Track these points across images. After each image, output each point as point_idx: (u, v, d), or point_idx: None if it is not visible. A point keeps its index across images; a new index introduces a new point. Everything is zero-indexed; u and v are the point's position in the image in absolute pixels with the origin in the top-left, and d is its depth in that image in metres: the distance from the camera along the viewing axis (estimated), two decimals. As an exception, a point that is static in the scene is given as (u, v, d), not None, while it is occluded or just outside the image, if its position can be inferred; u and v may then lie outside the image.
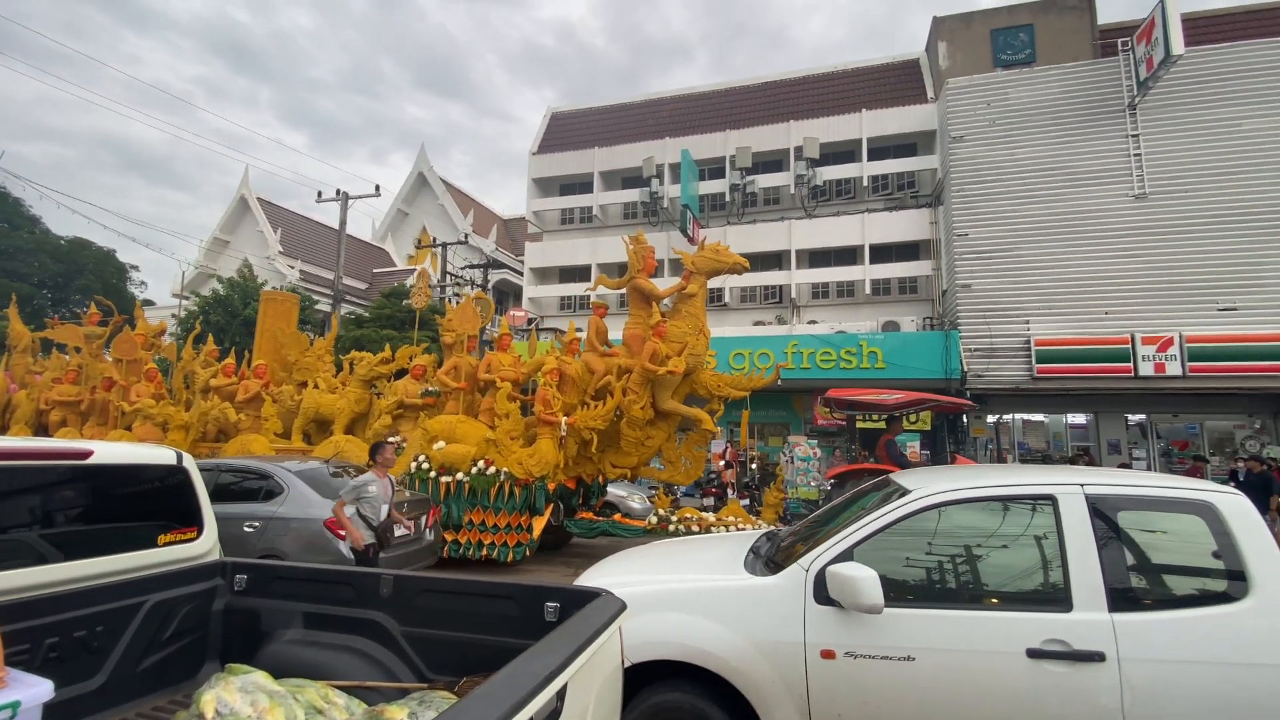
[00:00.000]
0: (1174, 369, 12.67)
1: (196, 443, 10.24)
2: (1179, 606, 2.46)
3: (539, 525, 8.23)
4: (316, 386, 10.62)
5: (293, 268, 25.74)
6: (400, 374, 10.71)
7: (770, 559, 3.24)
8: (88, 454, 2.36)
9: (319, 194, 20.14)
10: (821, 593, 2.73)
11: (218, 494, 6.41)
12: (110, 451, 2.49)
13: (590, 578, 3.45)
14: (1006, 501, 2.79)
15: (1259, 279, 12.84)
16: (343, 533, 5.97)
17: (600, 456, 8.81)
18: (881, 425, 15.14)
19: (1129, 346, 12.99)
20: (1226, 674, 2.28)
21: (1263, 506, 8.81)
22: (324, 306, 24.24)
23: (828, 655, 2.65)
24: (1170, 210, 13.50)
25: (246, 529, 6.01)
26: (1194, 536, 2.52)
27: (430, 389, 9.85)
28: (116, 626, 2.24)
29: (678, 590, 3.04)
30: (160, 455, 2.65)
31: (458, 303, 23.51)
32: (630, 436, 8.66)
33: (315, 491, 6.13)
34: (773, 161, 19.03)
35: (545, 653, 1.52)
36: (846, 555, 2.78)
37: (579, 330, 10.20)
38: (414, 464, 8.52)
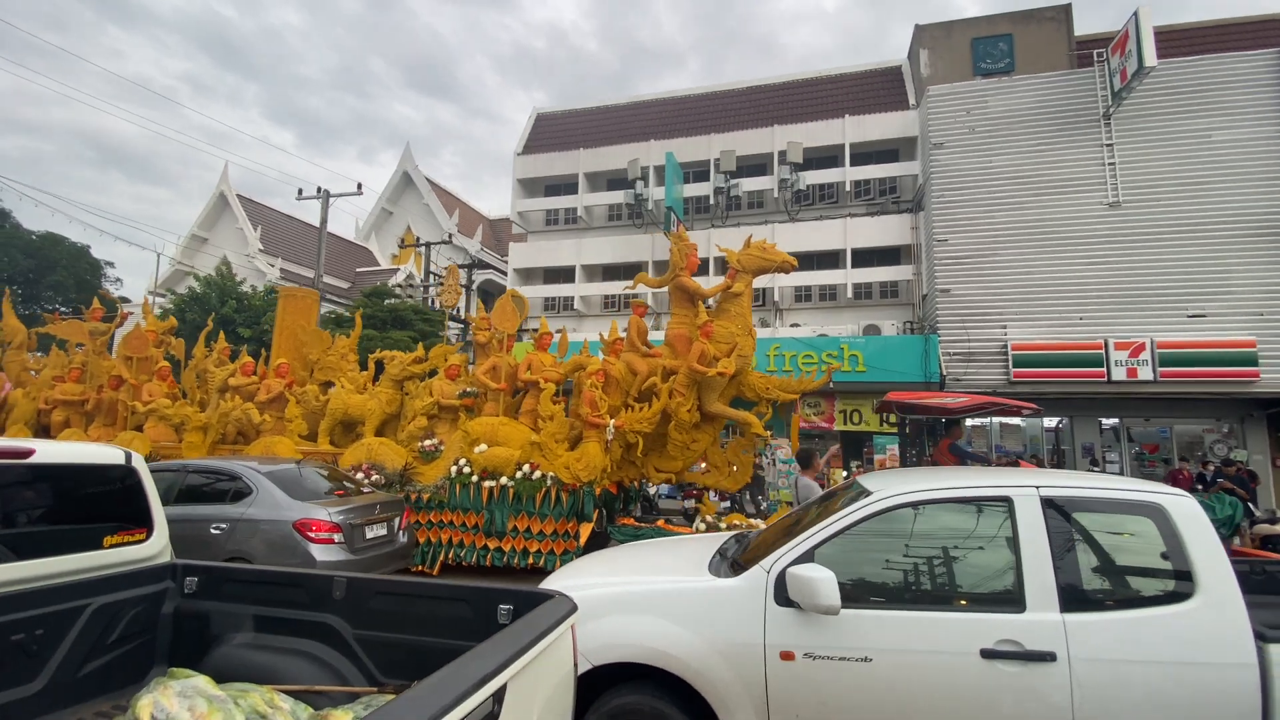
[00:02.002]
0: (1145, 374, 12.90)
1: (216, 444, 9.86)
2: (1128, 606, 2.50)
3: (586, 531, 7.88)
4: (343, 387, 10.21)
5: (273, 266, 25.41)
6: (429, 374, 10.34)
7: (735, 561, 3.25)
8: (28, 453, 2.30)
9: (299, 191, 19.92)
10: (782, 594, 2.74)
11: (185, 495, 6.33)
12: (53, 450, 2.43)
13: (557, 580, 3.43)
14: (964, 503, 2.82)
15: (1227, 286, 13.11)
16: (312, 535, 5.90)
17: (644, 460, 8.51)
18: (863, 429, 15.28)
19: (1102, 351, 13.20)
20: (1172, 673, 2.32)
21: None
22: (304, 305, 23.92)
23: (787, 657, 2.66)
24: (1143, 219, 13.74)
25: (214, 531, 5.91)
26: (1144, 537, 2.56)
27: (468, 390, 9.52)
28: (57, 630, 2.19)
29: (639, 592, 3.03)
30: (107, 455, 2.59)
31: (440, 304, 23.39)
32: (677, 440, 8.38)
33: (284, 492, 6.04)
34: (757, 165, 19.13)
35: (483, 654, 1.50)
36: (807, 557, 2.79)
37: (556, 331, 10.06)
38: (454, 468, 8.23)
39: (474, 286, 23.78)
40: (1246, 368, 12.53)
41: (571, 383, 9.15)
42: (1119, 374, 13.06)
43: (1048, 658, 2.40)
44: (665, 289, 9.30)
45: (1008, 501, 2.69)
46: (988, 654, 2.45)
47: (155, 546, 2.66)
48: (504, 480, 7.99)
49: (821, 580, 2.54)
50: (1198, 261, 13.32)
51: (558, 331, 10.35)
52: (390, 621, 2.30)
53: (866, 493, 2.95)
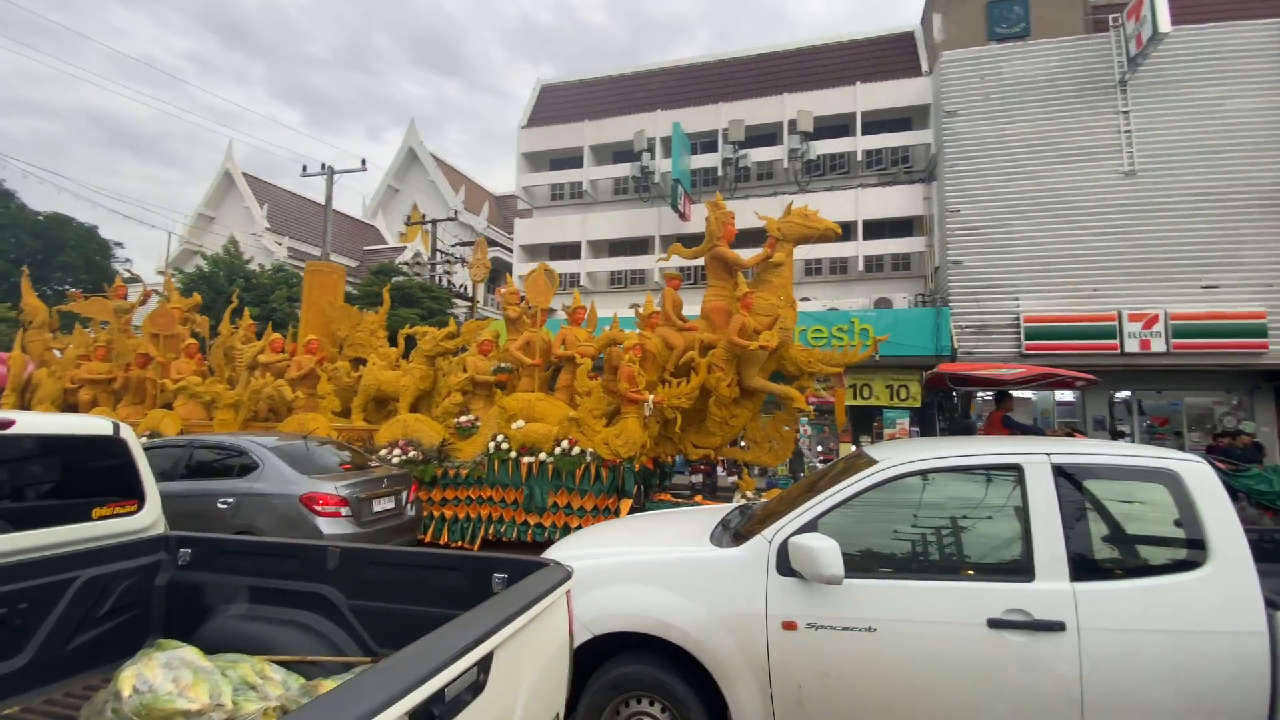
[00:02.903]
0: (1158, 346, 12.68)
1: (248, 421, 9.84)
2: (1139, 575, 2.43)
3: (625, 508, 7.81)
4: (375, 364, 10.08)
5: (280, 244, 25.39)
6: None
7: (737, 531, 3.20)
8: (9, 424, 2.26)
9: (304, 168, 19.78)
10: (784, 564, 2.69)
11: (191, 471, 6.37)
12: (35, 422, 2.38)
13: (558, 549, 3.41)
14: (973, 471, 2.74)
15: (1240, 257, 12.79)
16: (319, 508, 5.91)
17: (681, 436, 8.39)
18: (873, 403, 15.17)
19: (1115, 324, 12.97)
20: (1183, 642, 2.25)
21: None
22: (311, 284, 23.91)
23: (789, 627, 2.62)
24: (1158, 188, 13.38)
25: (220, 505, 5.94)
26: (1157, 505, 2.48)
27: (503, 365, 9.40)
28: (43, 603, 2.16)
29: (641, 562, 3.00)
30: (94, 426, 2.55)
31: (447, 281, 23.29)
32: (716, 415, 8.19)
33: (291, 467, 6.05)
34: (766, 135, 18.72)
35: (469, 623, 1.45)
36: (810, 526, 2.73)
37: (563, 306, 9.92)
38: (493, 444, 8.17)
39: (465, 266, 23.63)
40: (1256, 339, 12.29)
41: (603, 358, 9.04)
42: (1132, 345, 12.84)
43: (1056, 627, 2.34)
44: (701, 260, 9.04)
45: (1018, 469, 2.61)
46: (995, 624, 2.39)
47: (147, 518, 2.64)
48: (543, 456, 7.94)
49: (824, 550, 2.48)
50: (1211, 231, 12.99)
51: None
52: (384, 591, 2.27)
53: (872, 462, 2.88)
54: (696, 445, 8.54)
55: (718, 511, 3.95)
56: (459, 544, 8.09)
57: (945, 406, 15.77)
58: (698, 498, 8.73)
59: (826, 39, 20.75)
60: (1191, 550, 2.39)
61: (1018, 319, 13.76)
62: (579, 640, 2.68)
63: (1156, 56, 13.23)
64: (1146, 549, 2.56)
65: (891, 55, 19.06)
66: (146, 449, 6.75)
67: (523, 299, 9.90)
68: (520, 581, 1.86)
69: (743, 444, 9.02)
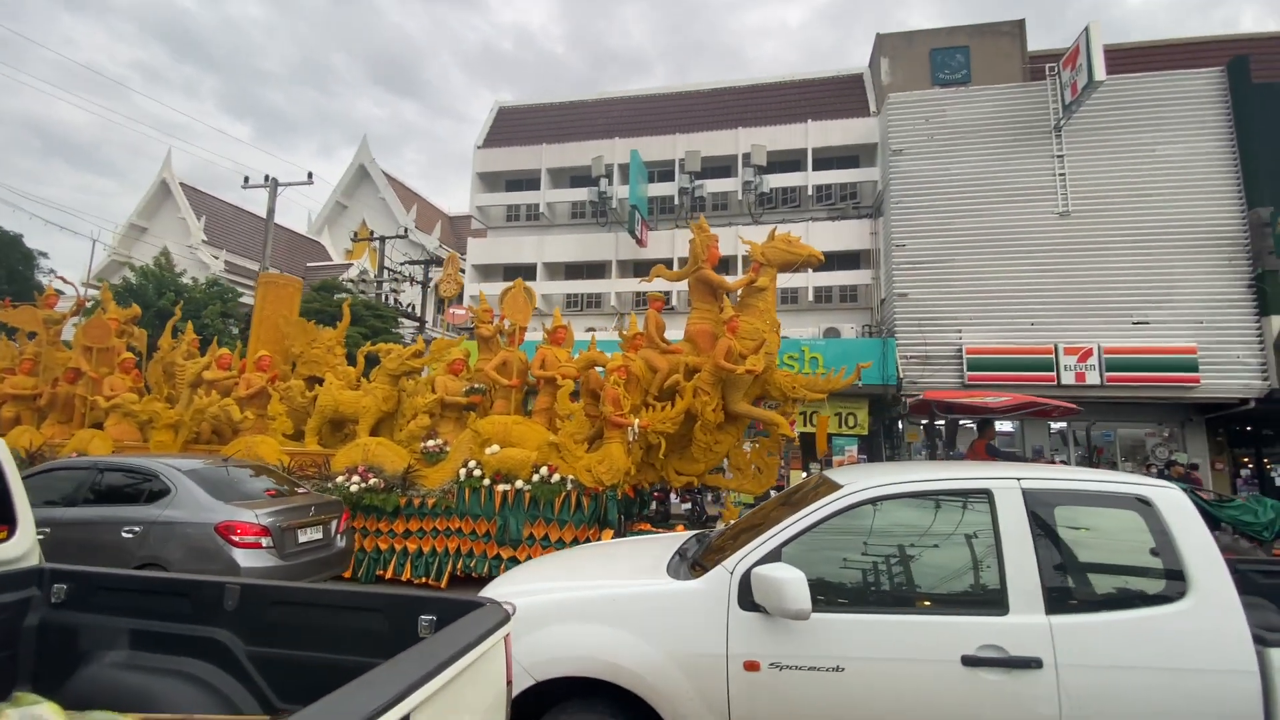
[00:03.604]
0: (1093, 378, 13.24)
1: (190, 444, 9.04)
2: (1117, 608, 2.32)
3: (608, 539, 7.27)
4: (332, 383, 9.44)
5: (217, 258, 24.22)
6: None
7: (696, 561, 2.99)
8: None
9: (245, 179, 18.95)
10: (746, 597, 2.49)
11: (95, 495, 5.76)
12: None
13: (498, 586, 3.12)
14: (941, 497, 2.62)
15: (1170, 295, 13.57)
16: (236, 539, 5.40)
17: (665, 462, 8.05)
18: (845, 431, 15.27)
19: (1052, 356, 13.50)
20: (1167, 681, 2.14)
21: None
22: (249, 299, 22.84)
23: (751, 667, 2.41)
24: (1091, 228, 14.13)
25: (125, 534, 5.37)
26: (1132, 533, 2.39)
27: (476, 386, 8.91)
28: None
29: (589, 598, 2.74)
30: (-50, 439, 2.18)
31: (394, 300, 22.59)
32: (701, 441, 7.92)
33: (207, 492, 5.53)
34: (721, 167, 19.07)
35: (382, 679, 1.19)
36: (774, 555, 2.55)
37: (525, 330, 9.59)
38: (463, 470, 7.63)
39: (431, 284, 23.06)
40: (1187, 373, 12.96)
41: (579, 381, 8.74)
42: (1068, 378, 13.37)
43: (1033, 664, 2.20)
44: (680, 282, 8.98)
45: (987, 494, 2.50)
46: (969, 661, 2.24)
47: (18, 548, 2.25)
48: (519, 484, 7.46)
49: (790, 581, 2.29)
50: (1142, 270, 13.76)
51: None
52: (291, 636, 1.96)
53: (836, 486, 2.73)
54: (680, 472, 8.28)
55: (675, 540, 3.74)
56: (423, 580, 7.58)
57: (892, 433, 16.07)
58: (679, 527, 8.36)
59: (781, 77, 21.43)
60: (1170, 581, 2.30)
61: (960, 350, 14.17)
62: (519, 687, 2.41)
63: (1090, 104, 14.07)
64: (1123, 579, 2.48)
65: (841, 95, 19.80)
66: (46, 470, 6.13)
67: (498, 317, 9.57)
68: (451, 625, 1.60)
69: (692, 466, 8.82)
